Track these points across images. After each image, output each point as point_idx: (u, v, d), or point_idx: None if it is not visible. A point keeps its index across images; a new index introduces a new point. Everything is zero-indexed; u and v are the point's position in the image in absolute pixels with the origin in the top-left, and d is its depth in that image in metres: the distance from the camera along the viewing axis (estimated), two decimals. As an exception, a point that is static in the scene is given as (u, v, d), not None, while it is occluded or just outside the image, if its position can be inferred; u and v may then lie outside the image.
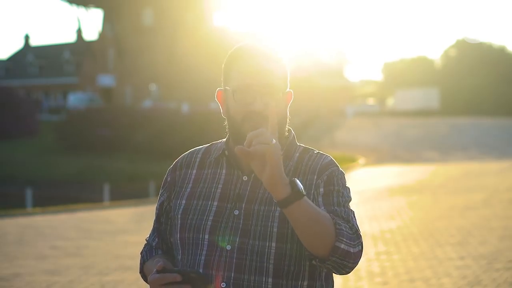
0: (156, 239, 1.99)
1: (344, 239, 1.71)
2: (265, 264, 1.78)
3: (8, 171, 28.65)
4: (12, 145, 34.42)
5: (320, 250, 1.71)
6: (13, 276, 7.23)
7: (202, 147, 2.00)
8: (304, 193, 1.65)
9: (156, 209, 2.01)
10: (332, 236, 1.70)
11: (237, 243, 1.79)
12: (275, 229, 1.79)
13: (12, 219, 13.36)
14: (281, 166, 1.63)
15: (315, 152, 1.91)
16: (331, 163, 1.88)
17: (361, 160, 27.36)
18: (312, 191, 1.84)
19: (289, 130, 1.93)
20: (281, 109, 1.84)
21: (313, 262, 1.77)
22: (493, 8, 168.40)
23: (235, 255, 1.79)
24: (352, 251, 1.72)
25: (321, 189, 1.83)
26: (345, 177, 1.91)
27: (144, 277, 1.99)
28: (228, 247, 1.79)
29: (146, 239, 2.04)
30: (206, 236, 1.82)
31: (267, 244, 1.79)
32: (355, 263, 1.75)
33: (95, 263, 7.99)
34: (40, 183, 25.55)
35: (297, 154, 1.91)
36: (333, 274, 1.88)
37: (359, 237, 1.77)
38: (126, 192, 21.42)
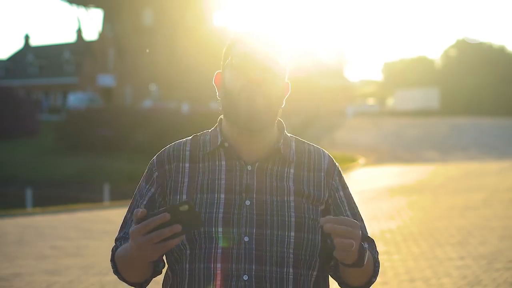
0: None
1: (377, 272, 1.87)
2: (285, 254, 1.76)
3: (8, 171, 28.64)
4: (12, 145, 34.41)
5: (358, 284, 1.85)
6: (13, 276, 7.23)
7: (185, 140, 1.91)
8: (365, 262, 1.72)
9: (140, 205, 1.84)
10: (370, 274, 1.85)
11: (254, 234, 1.74)
12: (292, 219, 1.78)
13: (12, 219, 13.36)
14: (356, 253, 1.69)
15: (307, 143, 1.94)
16: (331, 159, 1.92)
17: (361, 160, 27.36)
18: (328, 191, 1.86)
19: (279, 121, 1.90)
20: (279, 87, 1.81)
21: None
22: (493, 8, 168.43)
23: (254, 246, 1.74)
24: (377, 277, 1.90)
25: (341, 193, 1.89)
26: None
27: (115, 267, 1.82)
28: (246, 239, 1.74)
29: (116, 238, 1.87)
30: (220, 229, 1.74)
31: (286, 234, 1.76)
32: None
33: (95, 263, 7.99)
34: (40, 183, 25.55)
35: (293, 143, 1.91)
36: None
37: (377, 253, 1.92)
38: (126, 192, 21.36)
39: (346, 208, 1.88)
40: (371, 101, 72.51)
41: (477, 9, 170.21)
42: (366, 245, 1.79)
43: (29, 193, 18.62)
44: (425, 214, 11.38)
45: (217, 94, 1.86)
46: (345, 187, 1.91)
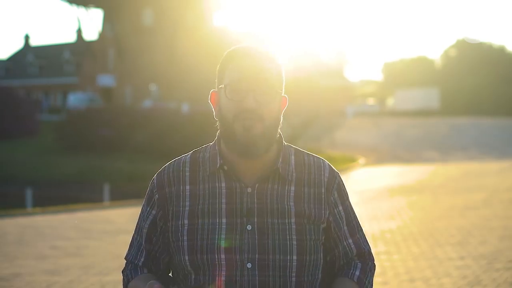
0: (143, 259, 1.90)
1: None
2: (288, 279, 1.77)
3: (8, 171, 28.64)
4: (12, 145, 34.41)
5: None
6: (13, 276, 7.23)
7: (185, 158, 1.89)
8: None
9: (143, 228, 1.90)
10: None
11: (257, 260, 1.75)
12: (294, 242, 1.78)
13: (12, 219, 13.36)
14: None
15: (306, 155, 1.91)
16: (332, 170, 1.91)
17: (361, 160, 27.36)
18: (328, 206, 1.87)
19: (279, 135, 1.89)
20: (274, 109, 1.79)
21: None
22: (493, 8, 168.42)
23: (257, 273, 1.74)
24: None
25: (340, 208, 1.90)
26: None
27: None
28: (249, 265, 1.75)
29: (126, 258, 1.95)
30: (222, 256, 1.75)
31: (288, 258, 1.77)
32: None
33: (95, 263, 7.99)
34: (40, 183, 25.55)
35: (292, 157, 1.89)
36: None
37: (374, 266, 1.94)
38: (126, 192, 21.41)
39: (344, 223, 1.90)
40: (371, 101, 72.49)
41: (477, 9, 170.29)
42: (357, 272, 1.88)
43: (29, 193, 18.62)
44: (425, 214, 11.38)
45: (214, 113, 1.85)
46: (344, 200, 1.91)
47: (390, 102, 67.17)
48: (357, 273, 1.88)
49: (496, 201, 12.18)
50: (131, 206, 15.34)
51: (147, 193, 1.91)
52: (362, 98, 73.04)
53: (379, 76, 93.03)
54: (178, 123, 30.88)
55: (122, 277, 1.96)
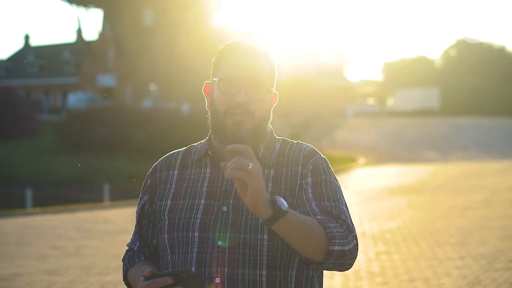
0: (138, 243, 1.99)
1: (337, 241, 1.71)
2: (258, 257, 1.77)
3: (8, 171, 28.63)
4: (12, 145, 34.41)
5: (315, 256, 1.72)
6: (13, 276, 7.24)
7: (181, 150, 1.99)
8: (287, 209, 1.64)
9: (136, 213, 2.00)
10: (324, 241, 1.70)
11: (228, 238, 1.78)
12: None
13: (12, 219, 13.36)
14: (262, 188, 1.61)
15: (295, 142, 1.93)
16: (313, 151, 1.89)
17: (361, 160, 27.36)
18: (299, 181, 1.84)
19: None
20: (265, 106, 1.85)
21: (311, 266, 1.78)
22: (493, 8, 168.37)
23: (227, 250, 1.77)
24: (347, 248, 1.72)
25: (309, 179, 1.84)
26: (331, 166, 1.92)
27: (128, 285, 1.97)
28: (220, 243, 1.78)
29: (127, 245, 2.03)
30: (196, 234, 1.80)
31: (259, 237, 1.78)
32: (353, 258, 1.75)
33: (95, 263, 7.99)
34: (40, 183, 25.53)
35: (278, 145, 1.91)
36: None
37: (351, 231, 1.76)
38: (126, 192, 21.40)
39: (309, 191, 1.81)
40: (371, 101, 72.52)
41: (477, 9, 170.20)
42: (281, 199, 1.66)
43: (29, 193, 18.61)
44: (425, 214, 11.38)
45: (206, 104, 1.90)
46: (316, 175, 1.83)
47: (390, 102, 67.19)
48: (319, 217, 1.75)
49: (496, 201, 12.19)
50: (131, 206, 15.32)
51: (143, 182, 2.01)
52: (362, 98, 73.05)
53: (379, 76, 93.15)
54: (178, 123, 30.90)
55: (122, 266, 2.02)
